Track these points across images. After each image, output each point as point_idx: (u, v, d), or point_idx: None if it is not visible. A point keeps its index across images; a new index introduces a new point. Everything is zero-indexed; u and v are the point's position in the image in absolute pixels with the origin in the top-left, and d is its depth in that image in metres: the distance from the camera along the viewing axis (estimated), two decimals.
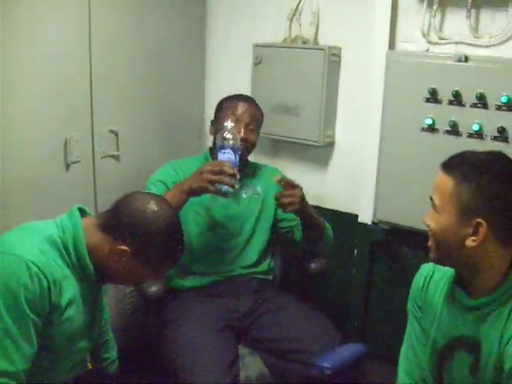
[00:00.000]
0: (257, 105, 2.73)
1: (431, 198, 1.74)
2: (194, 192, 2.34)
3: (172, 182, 2.58)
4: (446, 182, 1.68)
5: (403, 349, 1.96)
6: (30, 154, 2.53)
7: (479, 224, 1.63)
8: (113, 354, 2.22)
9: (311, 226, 2.63)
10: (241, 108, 2.64)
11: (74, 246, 1.76)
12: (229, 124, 2.37)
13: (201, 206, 2.62)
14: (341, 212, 3.15)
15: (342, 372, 2.26)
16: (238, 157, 2.34)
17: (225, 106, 2.70)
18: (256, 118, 2.67)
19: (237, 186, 2.31)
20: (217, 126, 2.65)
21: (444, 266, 1.79)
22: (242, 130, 2.59)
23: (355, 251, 3.13)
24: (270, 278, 2.77)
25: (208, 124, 2.95)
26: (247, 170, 2.74)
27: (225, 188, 2.29)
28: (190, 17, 3.34)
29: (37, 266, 1.63)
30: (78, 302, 1.79)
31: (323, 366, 2.23)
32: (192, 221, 2.62)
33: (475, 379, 1.74)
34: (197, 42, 3.42)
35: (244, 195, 2.68)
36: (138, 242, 1.78)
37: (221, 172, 2.27)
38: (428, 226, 1.75)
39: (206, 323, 2.46)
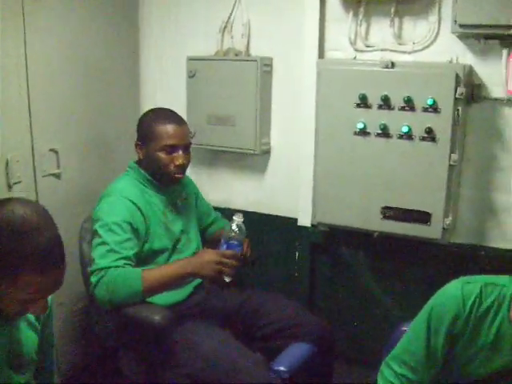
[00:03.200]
0: (182, 119, 2.71)
1: None
2: (198, 277, 2.54)
3: (135, 219, 2.52)
4: None
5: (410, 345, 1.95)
6: None
7: None
8: None
9: None
10: (177, 133, 2.61)
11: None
12: (238, 218, 2.47)
13: (161, 227, 2.64)
14: (280, 216, 3.24)
15: (296, 372, 2.38)
16: (241, 250, 2.51)
17: (156, 132, 2.61)
18: (187, 136, 2.68)
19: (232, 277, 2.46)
20: (149, 150, 2.62)
21: None
22: (181, 157, 2.60)
23: (296, 254, 3.22)
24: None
25: None
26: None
27: (228, 278, 2.44)
28: (122, 33, 3.37)
29: None
30: None
31: (280, 370, 2.33)
32: (158, 242, 2.61)
33: None
34: (130, 58, 3.46)
35: (179, 203, 2.77)
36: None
37: (231, 265, 2.42)
38: None
39: (210, 328, 2.55)
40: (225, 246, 2.46)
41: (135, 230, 2.50)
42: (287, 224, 3.20)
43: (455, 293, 1.84)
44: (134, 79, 3.51)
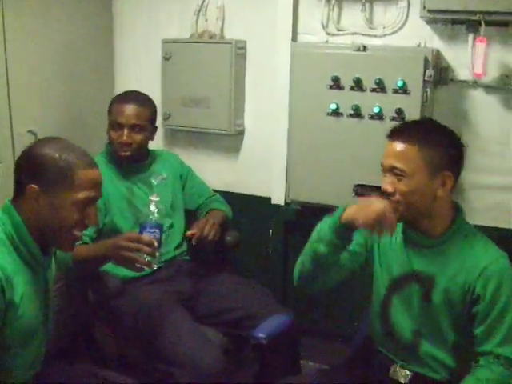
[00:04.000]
0: (145, 102, 2.82)
1: (394, 167, 1.96)
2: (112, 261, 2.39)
3: None
4: (410, 148, 1.94)
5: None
6: None
7: (447, 176, 1.96)
8: None
9: (222, 226, 2.88)
10: (124, 111, 2.75)
11: (16, 231, 1.79)
12: (154, 198, 2.37)
13: (123, 201, 2.78)
14: (254, 196, 3.32)
15: (274, 339, 2.49)
16: (162, 233, 2.34)
17: (112, 109, 2.80)
18: (142, 117, 2.77)
19: (154, 266, 2.30)
20: (108, 128, 2.81)
21: (404, 221, 2.04)
22: (125, 135, 2.72)
23: (270, 232, 3.32)
24: (188, 258, 2.93)
25: None
26: (150, 159, 2.93)
27: (139, 265, 2.25)
28: (96, 15, 3.40)
29: None
30: (30, 295, 1.82)
31: (259, 336, 2.44)
32: (119, 217, 2.75)
33: (427, 307, 2.03)
34: (104, 40, 3.50)
35: (154, 182, 2.80)
36: (38, 174, 1.79)
37: (138, 249, 2.24)
38: (391, 192, 1.96)
39: (164, 302, 2.59)
40: (140, 231, 2.31)
41: None
42: (261, 203, 3.29)
43: None
44: (108, 62, 3.56)
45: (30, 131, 2.95)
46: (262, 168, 3.32)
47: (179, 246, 2.89)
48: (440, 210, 2.01)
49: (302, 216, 3.20)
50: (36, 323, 1.86)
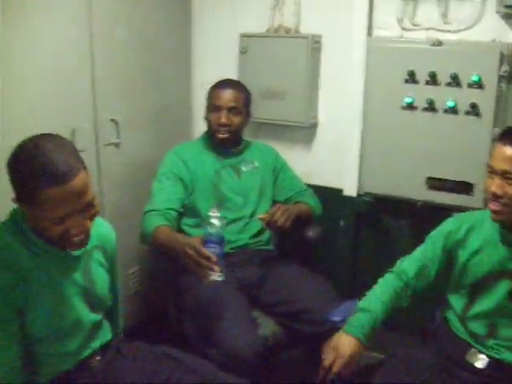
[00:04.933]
0: (240, 87, 2.99)
1: (507, 172, 1.98)
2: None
3: (180, 171, 2.89)
4: None
5: (408, 259, 2.32)
6: None
7: None
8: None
9: (303, 219, 2.91)
10: (222, 95, 2.92)
11: (24, 235, 1.80)
12: (212, 214, 2.30)
13: (208, 183, 2.90)
14: (327, 187, 3.37)
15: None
16: (223, 247, 2.29)
17: (210, 95, 2.99)
18: (237, 100, 2.93)
19: (217, 278, 2.24)
20: (206, 111, 3.00)
21: (505, 222, 2.08)
22: (223, 116, 2.89)
23: (341, 223, 3.38)
24: (271, 247, 3.01)
25: (196, 112, 3.44)
26: (242, 146, 3.06)
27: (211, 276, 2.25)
28: (176, 10, 3.50)
29: None
30: (52, 288, 1.84)
31: (335, 320, 2.50)
32: (202, 198, 2.88)
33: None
34: (183, 34, 3.60)
35: (244, 169, 3.00)
36: (14, 188, 1.74)
37: (197, 261, 2.25)
38: (500, 195, 2.00)
39: (223, 286, 2.61)
40: (203, 244, 2.27)
41: (180, 179, 2.88)
42: (333, 194, 3.34)
43: (441, 226, 2.29)
44: (186, 55, 3.65)
45: (112, 120, 3.08)
46: (334, 160, 3.38)
47: (257, 235, 2.96)
48: None
49: (373, 208, 3.26)
50: (65, 312, 1.89)
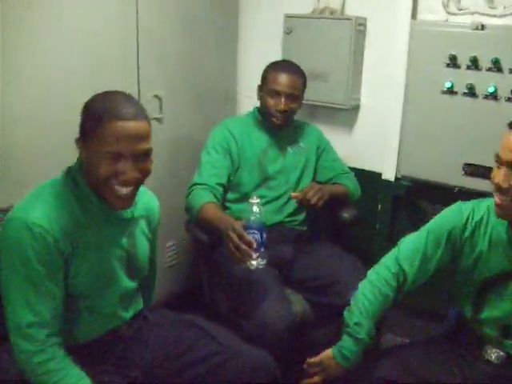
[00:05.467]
0: (300, 72, 2.95)
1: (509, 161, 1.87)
2: None
3: (229, 145, 2.92)
4: None
5: (409, 250, 2.20)
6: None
7: None
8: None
9: (338, 199, 2.94)
10: (282, 80, 2.87)
11: (77, 188, 1.87)
12: (253, 201, 2.31)
13: (254, 160, 2.95)
14: (366, 170, 3.38)
15: None
16: (265, 234, 2.29)
17: (268, 77, 2.93)
18: (296, 86, 2.90)
19: (258, 265, 2.29)
20: (263, 93, 2.95)
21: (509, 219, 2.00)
22: (282, 103, 2.86)
23: (379, 206, 3.39)
24: (305, 228, 3.04)
25: (240, 90, 3.57)
26: (292, 128, 3.06)
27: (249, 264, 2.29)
28: None
29: (39, 226, 1.74)
30: (99, 246, 1.91)
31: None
32: (246, 174, 2.92)
33: None
34: (230, 13, 3.64)
35: (289, 149, 3.02)
36: (81, 124, 1.84)
37: (237, 246, 2.27)
38: (506, 188, 1.88)
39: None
40: (246, 230, 2.29)
41: (229, 153, 2.91)
42: (372, 178, 3.35)
43: (452, 209, 2.17)
44: (232, 35, 3.69)
45: (155, 96, 3.13)
46: (374, 143, 3.38)
47: (293, 214, 2.99)
48: None
49: (410, 192, 3.26)
50: (109, 274, 1.96)
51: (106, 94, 1.86)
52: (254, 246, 2.23)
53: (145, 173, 1.87)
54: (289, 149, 3.03)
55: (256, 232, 2.25)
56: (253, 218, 2.27)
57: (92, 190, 1.88)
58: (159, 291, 3.25)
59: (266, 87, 2.93)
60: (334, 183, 3.05)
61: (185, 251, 3.49)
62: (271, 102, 2.89)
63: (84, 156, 1.85)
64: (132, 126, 1.78)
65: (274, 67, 2.95)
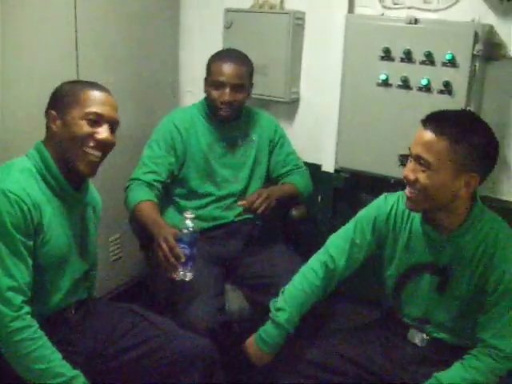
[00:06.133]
0: (244, 60, 2.89)
1: (421, 157, 1.92)
2: None
3: (173, 139, 2.86)
4: (440, 142, 1.89)
5: (338, 240, 2.31)
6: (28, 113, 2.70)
7: (472, 177, 1.93)
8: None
9: (286, 201, 2.93)
10: (225, 70, 2.79)
11: (44, 164, 1.99)
12: (188, 215, 2.33)
13: (199, 155, 2.89)
14: (306, 162, 3.35)
15: None
16: (194, 250, 2.31)
17: (211, 68, 2.85)
18: (241, 76, 2.82)
19: (184, 278, 2.32)
20: (206, 85, 2.89)
21: (420, 211, 2.07)
22: (227, 94, 2.78)
23: (319, 198, 3.43)
24: (259, 222, 2.99)
25: (182, 85, 3.62)
26: (243, 118, 2.99)
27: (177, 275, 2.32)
28: None
29: (14, 194, 1.85)
30: (60, 222, 2.01)
31: None
32: (192, 169, 2.88)
33: (441, 297, 2.09)
34: (171, 7, 3.64)
35: (240, 142, 2.96)
36: (56, 101, 2.04)
37: (166, 256, 2.30)
38: (412, 180, 1.95)
39: (198, 259, 2.64)
40: (178, 242, 2.31)
41: (173, 148, 2.85)
42: (312, 170, 3.32)
43: (378, 200, 2.29)
44: (174, 29, 3.70)
45: None
46: (314, 135, 3.42)
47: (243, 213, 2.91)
48: (459, 206, 2.01)
49: (349, 184, 3.31)
50: (67, 250, 2.05)
51: (79, 80, 2.21)
52: (182, 260, 2.26)
53: (113, 143, 2.07)
54: (239, 142, 2.96)
55: (186, 247, 2.28)
56: (185, 231, 2.29)
57: (58, 168, 2.01)
58: (103, 285, 3.27)
59: (210, 78, 2.85)
60: (283, 182, 3.03)
61: (128, 245, 3.48)
62: (215, 93, 2.81)
63: (58, 125, 2.01)
64: (109, 97, 2.09)
65: (217, 57, 2.88)
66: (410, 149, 2.00)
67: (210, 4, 3.61)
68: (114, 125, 2.07)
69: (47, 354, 1.86)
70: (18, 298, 1.83)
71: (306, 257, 2.89)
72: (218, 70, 2.81)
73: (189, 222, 2.30)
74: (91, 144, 2.00)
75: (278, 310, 2.21)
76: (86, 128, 1.98)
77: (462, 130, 1.92)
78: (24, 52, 2.70)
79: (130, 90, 3.38)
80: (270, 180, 3.06)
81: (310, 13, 3.33)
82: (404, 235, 2.16)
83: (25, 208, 1.86)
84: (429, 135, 1.92)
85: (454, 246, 2.05)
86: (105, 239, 3.35)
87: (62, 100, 2.03)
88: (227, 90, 2.79)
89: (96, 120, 2.00)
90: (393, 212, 2.19)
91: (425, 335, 2.16)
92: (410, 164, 1.98)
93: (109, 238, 3.41)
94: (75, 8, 2.91)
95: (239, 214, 2.93)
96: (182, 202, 2.91)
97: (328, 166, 3.34)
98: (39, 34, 2.76)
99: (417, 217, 2.14)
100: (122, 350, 2.17)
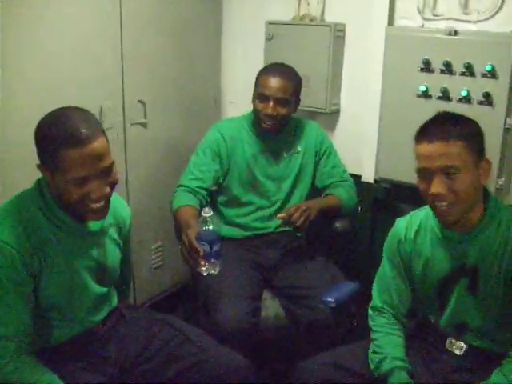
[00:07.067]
0: (290, 75, 2.90)
1: (447, 166, 1.90)
2: None
3: (219, 147, 2.92)
4: (456, 144, 1.90)
5: (377, 285, 2.32)
6: None
7: (486, 162, 1.98)
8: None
9: (328, 213, 2.92)
10: (270, 84, 2.83)
11: (45, 203, 1.92)
12: (204, 214, 2.29)
13: (243, 165, 2.94)
14: None
15: (342, 304, 2.63)
16: (215, 246, 2.28)
17: (259, 81, 2.90)
18: (286, 90, 2.84)
19: (209, 272, 2.30)
20: (253, 96, 2.92)
21: (458, 219, 2.01)
22: (270, 108, 2.82)
23: (359, 208, 3.43)
24: (299, 234, 2.98)
25: (224, 96, 3.63)
26: (288, 129, 3.00)
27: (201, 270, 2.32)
28: None
29: (8, 244, 1.80)
30: (67, 259, 1.96)
31: (327, 300, 2.59)
32: (236, 178, 2.94)
33: (474, 298, 2.07)
34: (214, 20, 3.72)
35: (285, 154, 2.98)
36: (38, 151, 1.86)
37: (187, 251, 2.31)
38: (445, 193, 1.92)
39: (236, 265, 2.77)
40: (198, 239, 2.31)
41: (218, 155, 2.92)
42: (353, 180, 3.40)
43: (393, 229, 2.28)
44: (216, 41, 3.77)
45: (139, 101, 3.21)
46: (354, 146, 3.43)
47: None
48: (478, 199, 2.01)
49: (389, 194, 3.32)
50: (77, 284, 2.00)
51: (55, 117, 1.85)
52: (200, 253, 2.25)
53: (113, 184, 1.94)
54: (284, 154, 2.98)
55: (205, 244, 2.27)
56: (203, 229, 2.29)
57: (59, 206, 1.93)
58: (145, 292, 3.34)
59: (256, 90, 2.90)
60: (327, 194, 3.01)
61: (170, 253, 3.55)
62: (260, 105, 2.86)
63: (50, 180, 1.89)
64: (90, 149, 1.80)
65: (265, 70, 2.94)
66: (421, 168, 2.02)
67: (252, 17, 3.67)
68: (106, 171, 1.89)
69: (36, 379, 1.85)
70: (11, 346, 1.83)
71: (346, 268, 2.96)
72: (264, 84, 2.85)
73: (206, 220, 2.29)
74: (88, 202, 1.89)
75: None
76: (77, 191, 1.85)
77: (464, 126, 1.97)
78: (76, 67, 2.80)
79: (173, 103, 3.46)
80: (315, 190, 3.08)
81: (350, 25, 3.36)
82: (426, 250, 2.16)
83: (17, 258, 1.81)
84: (441, 145, 1.93)
85: (478, 244, 2.03)
86: (147, 247, 3.43)
87: (40, 154, 1.88)
88: (271, 104, 2.82)
89: (84, 181, 1.84)
90: (408, 233, 2.20)
91: (463, 343, 2.14)
92: (435, 180, 1.94)
93: (151, 245, 3.48)
94: (121, 23, 3.00)
95: (279, 226, 2.95)
96: (225, 210, 2.98)
97: (368, 177, 3.37)
98: (90, 49, 2.86)
99: (434, 226, 2.13)
100: (158, 365, 2.17)
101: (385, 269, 2.28)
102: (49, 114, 1.87)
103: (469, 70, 2.85)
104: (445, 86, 2.92)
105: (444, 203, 1.95)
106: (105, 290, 2.15)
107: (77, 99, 2.65)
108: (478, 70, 2.83)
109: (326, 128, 3.48)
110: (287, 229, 2.87)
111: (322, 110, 3.42)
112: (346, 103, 3.48)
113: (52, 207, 1.93)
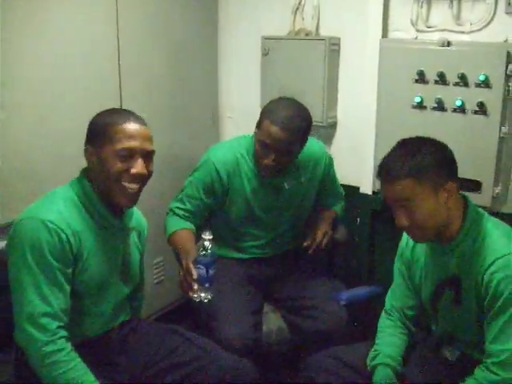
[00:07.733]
0: (296, 122, 2.60)
1: (397, 201, 2.01)
2: None
3: (213, 185, 2.78)
4: (405, 182, 1.97)
5: (390, 289, 2.40)
6: (69, 141, 2.78)
7: (450, 186, 2.00)
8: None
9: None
10: (274, 134, 2.55)
11: (85, 194, 2.06)
12: (206, 236, 2.26)
13: (242, 201, 2.82)
14: (344, 185, 3.37)
15: (354, 306, 2.68)
16: (211, 270, 2.26)
17: (262, 123, 2.62)
18: (290, 141, 2.59)
19: (201, 299, 2.27)
20: (256, 130, 2.69)
21: (431, 240, 2.10)
22: (271, 159, 2.61)
23: (358, 220, 3.46)
24: (295, 246, 2.99)
25: (222, 111, 3.57)
26: (294, 165, 2.81)
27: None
28: (203, 14, 3.66)
29: (54, 224, 1.92)
30: (101, 249, 2.08)
31: (339, 298, 2.61)
32: (234, 208, 2.84)
33: (458, 310, 2.10)
34: (210, 36, 3.75)
35: (286, 186, 2.82)
36: (91, 136, 2.07)
37: (184, 276, 2.29)
38: (408, 224, 2.02)
39: (234, 280, 2.78)
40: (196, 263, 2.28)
41: (211, 192, 2.79)
42: (350, 192, 3.39)
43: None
44: (213, 57, 3.79)
45: None
46: (352, 157, 3.45)
47: (283, 246, 2.99)
48: (453, 215, 2.05)
49: (388, 206, 3.29)
50: (107, 276, 2.13)
51: (112, 109, 2.18)
52: (194, 277, 2.23)
53: (150, 173, 2.12)
54: (285, 186, 2.81)
55: (202, 267, 2.26)
56: (202, 253, 2.27)
57: (98, 198, 2.08)
58: (147, 306, 3.33)
59: (258, 133, 2.65)
60: (323, 208, 3.06)
61: (171, 268, 3.54)
62: (261, 152, 2.64)
63: (94, 161, 2.05)
64: (141, 128, 2.07)
65: (269, 114, 2.60)
66: (387, 204, 2.09)
67: (248, 32, 3.70)
68: (148, 155, 2.10)
69: (78, 376, 1.90)
70: (53, 324, 1.89)
71: (344, 280, 2.97)
72: (268, 131, 2.57)
73: (206, 244, 2.28)
74: (126, 179, 2.03)
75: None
76: (119, 165, 2.01)
77: (414, 161, 1.99)
78: (73, 83, 2.84)
79: (171, 118, 3.48)
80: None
81: (344, 38, 3.39)
82: (422, 257, 2.22)
83: (63, 237, 1.93)
84: (389, 186, 2.02)
85: (457, 255, 2.07)
86: (149, 262, 3.42)
87: (95, 136, 2.06)
88: (272, 156, 2.60)
89: (129, 155, 2.02)
90: (409, 241, 2.26)
91: (456, 350, 2.18)
92: (397, 213, 2.03)
93: (153, 260, 3.50)
94: (118, 41, 3.04)
95: (279, 248, 2.98)
96: (222, 232, 2.91)
97: (366, 188, 3.38)
98: (88, 66, 2.90)
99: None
100: (166, 370, 2.24)
101: (395, 275, 2.35)
102: (101, 112, 2.13)
103: (463, 80, 2.87)
104: (439, 96, 2.95)
105: (410, 233, 2.08)
106: (127, 290, 2.26)
107: (75, 115, 2.74)
108: (471, 79, 2.86)
109: (323, 141, 3.50)
110: (285, 250, 2.98)
111: (320, 123, 3.43)
112: (342, 116, 3.50)
113: (92, 198, 2.07)
